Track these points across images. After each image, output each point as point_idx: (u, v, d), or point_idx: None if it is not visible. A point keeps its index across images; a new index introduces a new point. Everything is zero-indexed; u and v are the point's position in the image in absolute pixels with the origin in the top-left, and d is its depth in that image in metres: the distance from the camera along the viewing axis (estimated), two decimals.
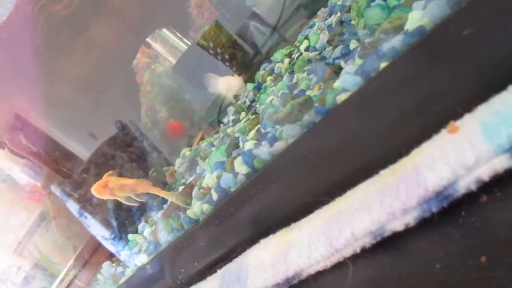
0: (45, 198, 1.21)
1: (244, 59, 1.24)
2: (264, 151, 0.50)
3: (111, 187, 0.70)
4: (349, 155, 0.43)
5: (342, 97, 0.43)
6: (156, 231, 0.74)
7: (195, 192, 0.64)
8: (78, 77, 1.19)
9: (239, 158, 0.53)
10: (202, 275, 0.61)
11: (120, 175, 1.10)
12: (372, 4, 0.59)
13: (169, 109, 1.33)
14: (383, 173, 0.39)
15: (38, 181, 1.17)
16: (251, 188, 0.52)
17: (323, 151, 0.45)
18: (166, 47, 1.19)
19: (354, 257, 0.39)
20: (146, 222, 0.93)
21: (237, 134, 0.70)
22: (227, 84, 0.94)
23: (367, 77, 0.41)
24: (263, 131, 0.58)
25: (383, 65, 0.40)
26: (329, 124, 0.44)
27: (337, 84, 0.45)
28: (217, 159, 0.65)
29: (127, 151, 1.18)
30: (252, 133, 0.62)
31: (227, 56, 1.21)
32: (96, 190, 0.71)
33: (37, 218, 1.44)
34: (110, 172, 0.73)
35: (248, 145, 0.57)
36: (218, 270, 0.56)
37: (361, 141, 0.42)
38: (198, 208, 0.60)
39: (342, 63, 0.55)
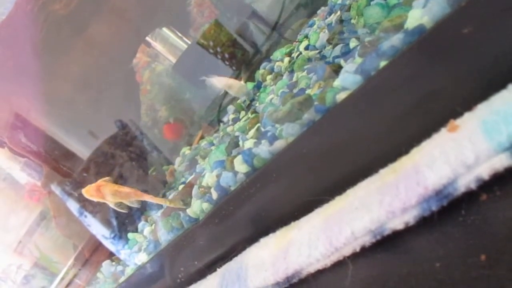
0: (45, 197, 1.21)
1: (244, 58, 1.24)
2: (264, 150, 0.50)
3: (103, 192, 0.71)
4: (348, 154, 0.43)
5: (342, 96, 0.43)
6: (156, 230, 0.74)
7: (195, 191, 0.64)
8: (78, 76, 1.19)
9: (239, 157, 0.53)
10: (202, 274, 0.61)
11: (121, 177, 1.11)
12: (372, 2, 0.59)
13: (169, 108, 1.33)
14: (383, 172, 0.39)
15: (38, 180, 1.17)
16: (251, 187, 0.52)
17: (323, 150, 0.45)
18: (166, 46, 1.18)
19: (354, 256, 0.39)
20: (146, 221, 0.93)
21: (237, 133, 0.70)
22: (227, 84, 0.94)
23: (367, 76, 0.41)
24: (263, 130, 0.58)
25: (383, 63, 0.40)
26: (329, 123, 0.44)
27: (337, 82, 0.45)
28: (217, 158, 0.65)
29: (127, 150, 1.18)
30: (252, 132, 0.62)
31: (227, 55, 1.21)
32: (87, 192, 0.72)
33: (37, 217, 1.44)
34: (107, 178, 0.74)
35: (248, 144, 0.57)
36: (218, 269, 0.56)
37: (361, 140, 0.42)
38: (198, 207, 0.60)
39: (342, 62, 0.55)
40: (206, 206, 0.59)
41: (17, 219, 1.43)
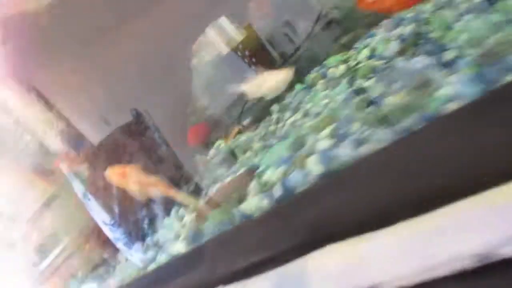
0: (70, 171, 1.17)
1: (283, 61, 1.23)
2: (346, 153, 0.47)
3: (128, 177, 0.67)
4: (447, 168, 0.41)
5: (450, 106, 0.40)
6: (198, 220, 0.71)
7: (253, 186, 0.62)
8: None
9: (315, 157, 0.50)
10: (244, 273, 0.58)
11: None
12: (463, 18, 0.57)
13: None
14: (490, 193, 0.37)
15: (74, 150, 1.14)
16: (324, 189, 0.49)
17: (418, 159, 0.42)
18: (222, 36, 1.16)
19: (451, 277, 0.36)
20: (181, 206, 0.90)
21: (304, 131, 0.67)
22: (262, 89, 0.85)
23: (486, 87, 0.38)
24: (340, 132, 0.55)
25: (508, 78, 0.37)
26: (431, 132, 0.41)
27: (444, 92, 0.42)
28: (280, 155, 0.62)
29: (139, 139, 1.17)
30: (325, 132, 0.59)
31: (254, 59, 1.18)
32: (111, 173, 0.69)
33: (49, 196, 1.41)
34: (138, 165, 0.71)
35: (323, 144, 0.55)
36: (268, 272, 0.54)
37: (463, 155, 0.40)
38: (255, 203, 0.57)
39: (431, 72, 0.52)
40: (265, 203, 0.56)
41: (30, 195, 1.41)
